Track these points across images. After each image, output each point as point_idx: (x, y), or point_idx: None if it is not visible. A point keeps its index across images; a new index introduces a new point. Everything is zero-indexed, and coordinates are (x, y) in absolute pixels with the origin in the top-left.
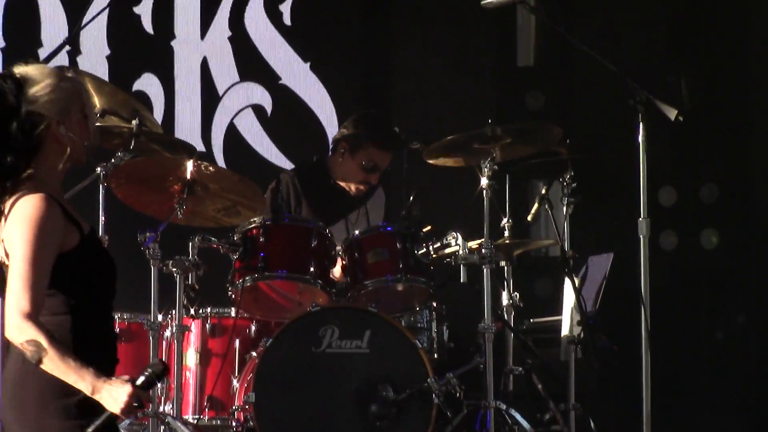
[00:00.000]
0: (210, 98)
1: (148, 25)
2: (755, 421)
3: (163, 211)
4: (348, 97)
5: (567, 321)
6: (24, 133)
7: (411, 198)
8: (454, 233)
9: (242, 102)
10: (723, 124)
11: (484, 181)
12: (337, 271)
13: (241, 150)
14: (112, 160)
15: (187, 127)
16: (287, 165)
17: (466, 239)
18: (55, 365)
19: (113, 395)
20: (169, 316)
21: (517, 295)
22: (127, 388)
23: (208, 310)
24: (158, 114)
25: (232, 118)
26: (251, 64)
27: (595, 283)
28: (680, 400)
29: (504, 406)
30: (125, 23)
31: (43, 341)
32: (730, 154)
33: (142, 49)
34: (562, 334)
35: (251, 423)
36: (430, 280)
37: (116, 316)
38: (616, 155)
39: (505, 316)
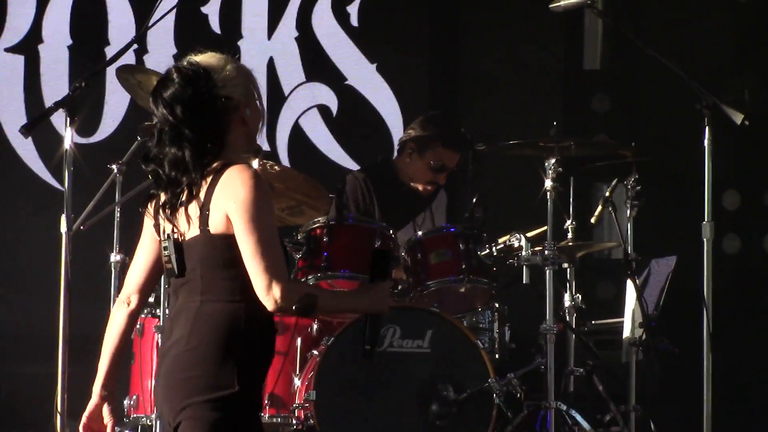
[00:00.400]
0: (276, 98)
1: (215, 25)
2: None
3: None
4: (414, 99)
5: (629, 323)
6: (219, 117)
7: (474, 200)
8: (517, 234)
9: (308, 102)
10: None
11: (548, 183)
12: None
13: (305, 150)
14: None
15: None
16: (352, 166)
17: (529, 241)
18: (333, 302)
19: (377, 297)
20: None
21: (579, 296)
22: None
23: None
24: None
25: (298, 118)
26: (317, 65)
27: (658, 285)
28: (742, 403)
29: (564, 407)
30: (193, 23)
31: (308, 290)
32: None
33: (209, 48)
34: (624, 336)
35: (311, 421)
36: (492, 281)
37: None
38: (681, 159)
39: (567, 317)
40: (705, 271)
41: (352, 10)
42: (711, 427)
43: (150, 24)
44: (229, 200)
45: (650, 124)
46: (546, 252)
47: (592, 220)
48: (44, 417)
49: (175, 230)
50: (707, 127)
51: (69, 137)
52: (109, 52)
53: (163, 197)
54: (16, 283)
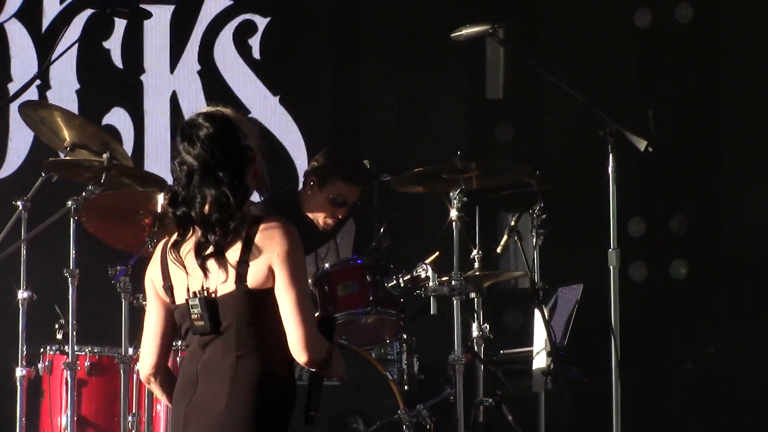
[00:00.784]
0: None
1: (117, 60)
2: None
3: (134, 244)
4: (317, 131)
5: (538, 352)
6: (246, 165)
7: (381, 230)
8: (423, 265)
9: None
10: (692, 155)
11: (453, 213)
12: None
13: None
14: (83, 194)
15: (157, 161)
16: (255, 198)
17: (436, 271)
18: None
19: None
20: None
21: (487, 326)
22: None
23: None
24: (128, 147)
25: None
26: (220, 98)
27: (565, 314)
28: (651, 430)
29: None
30: (95, 57)
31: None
32: (699, 185)
33: (111, 83)
34: (534, 366)
35: None
36: (400, 313)
37: (86, 351)
38: (586, 186)
39: (475, 347)
40: (612, 298)
41: (254, 43)
42: None
43: (52, 59)
44: (273, 253)
45: (554, 152)
46: (453, 282)
47: (498, 250)
48: None
49: (202, 286)
50: (611, 154)
51: None
52: (12, 88)
53: (190, 245)
54: None
